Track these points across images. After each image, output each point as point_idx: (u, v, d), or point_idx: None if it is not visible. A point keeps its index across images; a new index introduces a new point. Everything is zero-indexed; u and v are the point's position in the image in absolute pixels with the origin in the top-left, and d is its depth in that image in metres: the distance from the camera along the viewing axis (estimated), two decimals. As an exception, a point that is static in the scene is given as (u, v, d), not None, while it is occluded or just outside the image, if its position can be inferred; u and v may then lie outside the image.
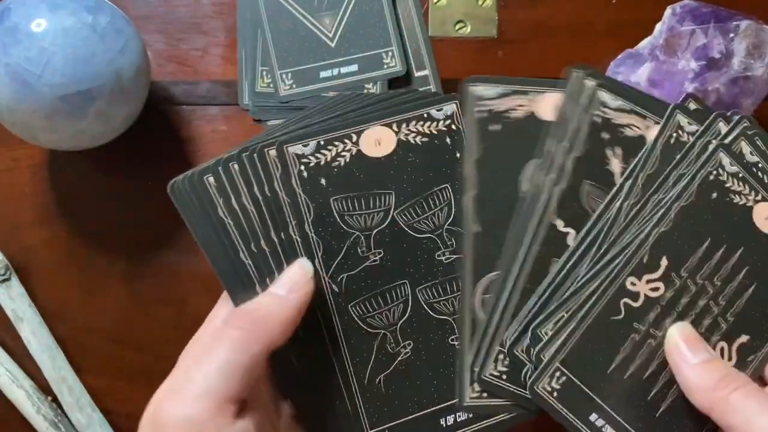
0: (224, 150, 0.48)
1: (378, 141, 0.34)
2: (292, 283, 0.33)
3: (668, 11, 0.45)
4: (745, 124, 0.33)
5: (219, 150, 0.48)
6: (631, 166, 0.33)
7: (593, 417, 0.31)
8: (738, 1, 0.46)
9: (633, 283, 0.31)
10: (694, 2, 0.45)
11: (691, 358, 0.30)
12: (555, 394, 0.31)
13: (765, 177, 0.33)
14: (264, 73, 0.48)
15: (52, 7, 0.39)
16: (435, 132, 0.35)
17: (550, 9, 0.50)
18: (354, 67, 0.48)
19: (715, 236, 0.32)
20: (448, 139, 0.35)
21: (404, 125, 0.34)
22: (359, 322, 0.33)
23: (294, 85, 0.48)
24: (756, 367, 0.32)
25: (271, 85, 0.48)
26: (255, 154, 0.33)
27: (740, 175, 0.32)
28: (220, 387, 0.29)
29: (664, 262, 0.31)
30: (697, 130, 0.33)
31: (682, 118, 0.34)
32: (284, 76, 0.48)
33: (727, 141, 0.32)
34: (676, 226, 0.31)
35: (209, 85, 0.49)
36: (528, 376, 0.32)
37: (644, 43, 0.48)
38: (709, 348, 0.31)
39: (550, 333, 0.31)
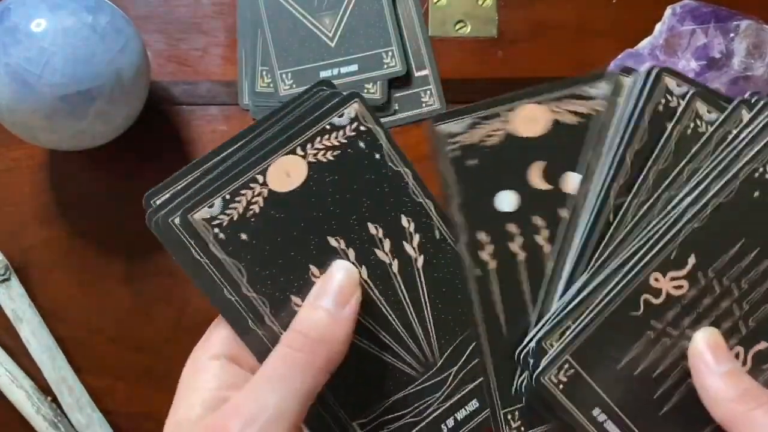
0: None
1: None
2: (343, 296, 0.30)
3: (668, 11, 0.45)
4: None
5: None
6: (644, 161, 0.31)
7: (596, 411, 0.30)
8: (738, 1, 0.46)
9: (657, 279, 0.30)
10: (694, 2, 0.45)
11: (716, 368, 0.29)
12: (561, 386, 0.30)
13: None
14: (264, 73, 0.48)
15: (52, 7, 0.39)
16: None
17: (550, 9, 0.50)
18: (354, 67, 0.48)
19: (750, 237, 0.30)
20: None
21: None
22: None
23: (294, 85, 0.48)
24: None
25: (271, 85, 0.48)
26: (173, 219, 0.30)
27: None
28: (294, 413, 0.28)
29: (691, 259, 0.30)
30: (716, 119, 0.31)
31: (701, 106, 0.31)
32: (284, 76, 0.48)
33: (757, 130, 0.30)
34: (711, 223, 0.30)
35: (209, 85, 0.49)
36: (527, 377, 0.31)
37: (644, 43, 0.48)
38: (734, 358, 0.30)
39: (556, 344, 0.30)
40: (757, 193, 0.30)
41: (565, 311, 0.30)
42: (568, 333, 0.30)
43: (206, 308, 0.47)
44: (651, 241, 0.30)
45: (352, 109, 0.32)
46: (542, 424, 0.32)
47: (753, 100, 0.31)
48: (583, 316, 0.30)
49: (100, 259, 0.47)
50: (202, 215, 0.30)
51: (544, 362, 0.30)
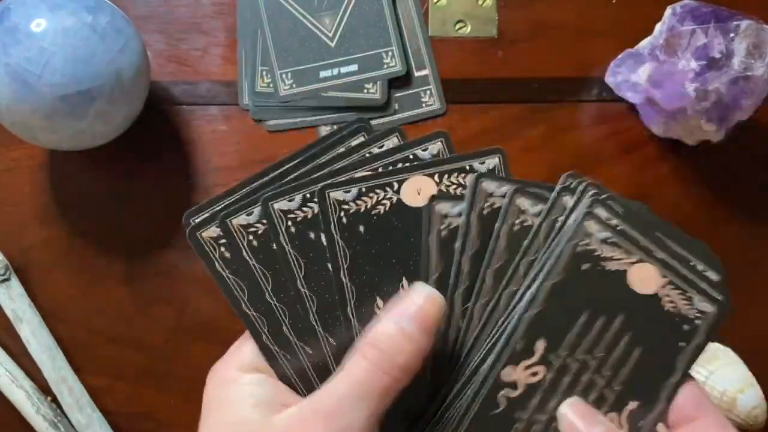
0: (224, 150, 0.48)
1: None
2: (427, 323, 0.29)
3: (668, 11, 0.45)
4: (593, 191, 0.31)
5: (219, 150, 0.48)
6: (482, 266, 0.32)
7: None
8: (738, 1, 0.46)
9: (509, 374, 0.30)
10: (694, 2, 0.45)
11: None
12: None
13: (633, 238, 0.31)
14: (264, 73, 0.48)
15: (52, 7, 0.39)
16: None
17: (550, 9, 0.50)
18: (354, 67, 0.48)
19: (591, 308, 0.30)
20: None
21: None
22: None
23: (294, 85, 0.48)
24: (648, 430, 0.30)
25: (271, 85, 0.48)
26: (311, 194, 0.32)
27: (609, 240, 0.30)
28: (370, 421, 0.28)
29: (540, 344, 0.30)
30: (540, 211, 0.32)
31: (524, 201, 0.32)
32: (284, 76, 0.48)
33: (588, 209, 0.31)
34: (549, 306, 0.30)
35: (209, 85, 0.49)
36: None
37: (644, 43, 0.48)
38: (603, 419, 0.30)
39: None
40: (585, 266, 0.30)
41: (429, 425, 0.30)
42: None
43: (206, 308, 0.47)
44: (496, 338, 0.30)
45: (493, 162, 0.33)
46: None
47: (571, 185, 0.31)
48: (446, 428, 0.30)
49: (100, 259, 0.47)
50: (335, 196, 0.32)
51: None
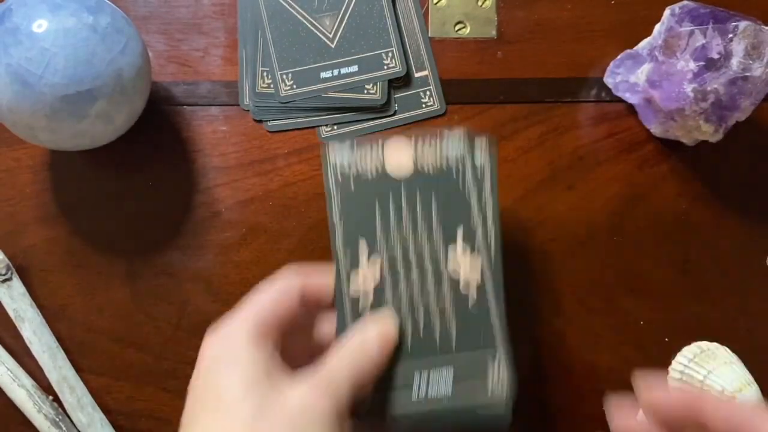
0: (224, 150, 0.48)
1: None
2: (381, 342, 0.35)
3: (667, 12, 0.45)
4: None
5: (219, 150, 0.48)
6: None
7: None
8: (737, 1, 0.46)
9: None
10: (692, 3, 0.45)
11: None
12: None
13: None
14: (264, 73, 0.49)
15: (53, 7, 0.40)
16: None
17: (549, 9, 0.50)
18: (354, 68, 0.48)
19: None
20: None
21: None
22: None
23: (294, 86, 0.48)
24: None
25: (272, 86, 0.48)
26: None
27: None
28: None
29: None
30: None
31: None
32: (284, 76, 0.48)
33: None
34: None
35: (210, 86, 0.49)
36: None
37: (643, 44, 0.48)
38: None
39: None
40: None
41: None
42: None
43: (206, 308, 0.47)
44: None
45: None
46: None
47: None
48: None
49: (100, 259, 0.47)
50: None
51: None
